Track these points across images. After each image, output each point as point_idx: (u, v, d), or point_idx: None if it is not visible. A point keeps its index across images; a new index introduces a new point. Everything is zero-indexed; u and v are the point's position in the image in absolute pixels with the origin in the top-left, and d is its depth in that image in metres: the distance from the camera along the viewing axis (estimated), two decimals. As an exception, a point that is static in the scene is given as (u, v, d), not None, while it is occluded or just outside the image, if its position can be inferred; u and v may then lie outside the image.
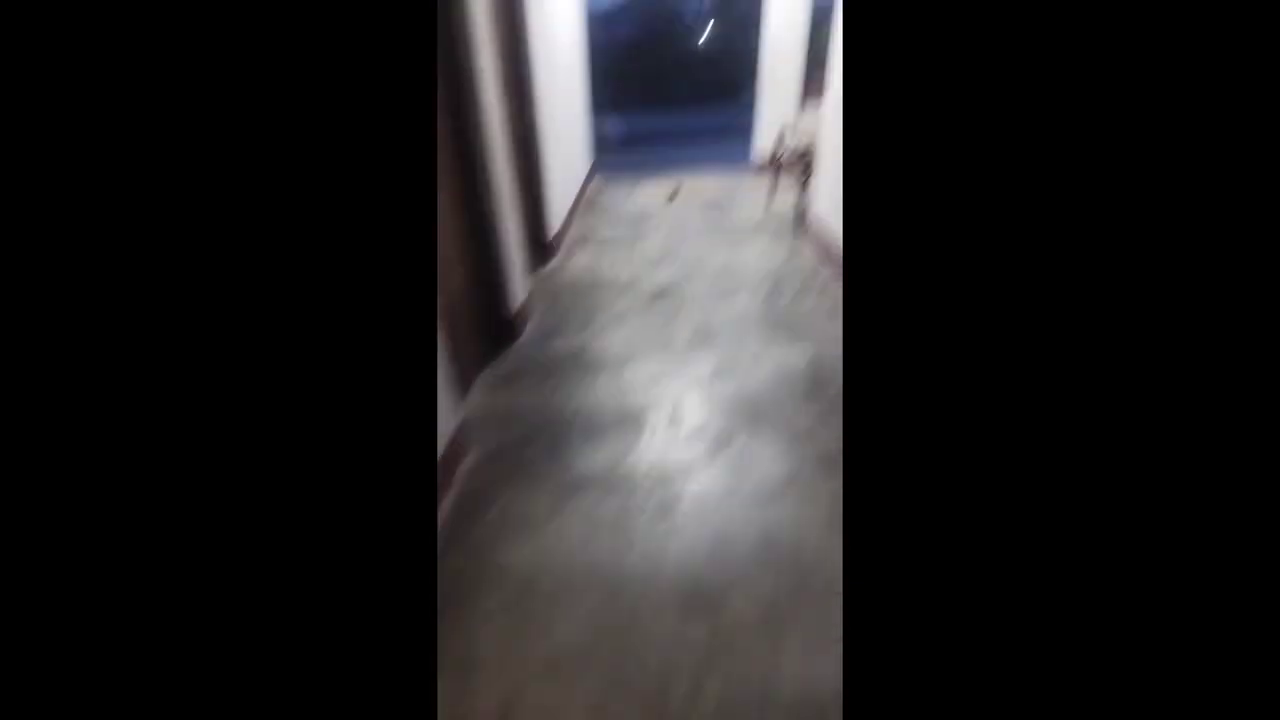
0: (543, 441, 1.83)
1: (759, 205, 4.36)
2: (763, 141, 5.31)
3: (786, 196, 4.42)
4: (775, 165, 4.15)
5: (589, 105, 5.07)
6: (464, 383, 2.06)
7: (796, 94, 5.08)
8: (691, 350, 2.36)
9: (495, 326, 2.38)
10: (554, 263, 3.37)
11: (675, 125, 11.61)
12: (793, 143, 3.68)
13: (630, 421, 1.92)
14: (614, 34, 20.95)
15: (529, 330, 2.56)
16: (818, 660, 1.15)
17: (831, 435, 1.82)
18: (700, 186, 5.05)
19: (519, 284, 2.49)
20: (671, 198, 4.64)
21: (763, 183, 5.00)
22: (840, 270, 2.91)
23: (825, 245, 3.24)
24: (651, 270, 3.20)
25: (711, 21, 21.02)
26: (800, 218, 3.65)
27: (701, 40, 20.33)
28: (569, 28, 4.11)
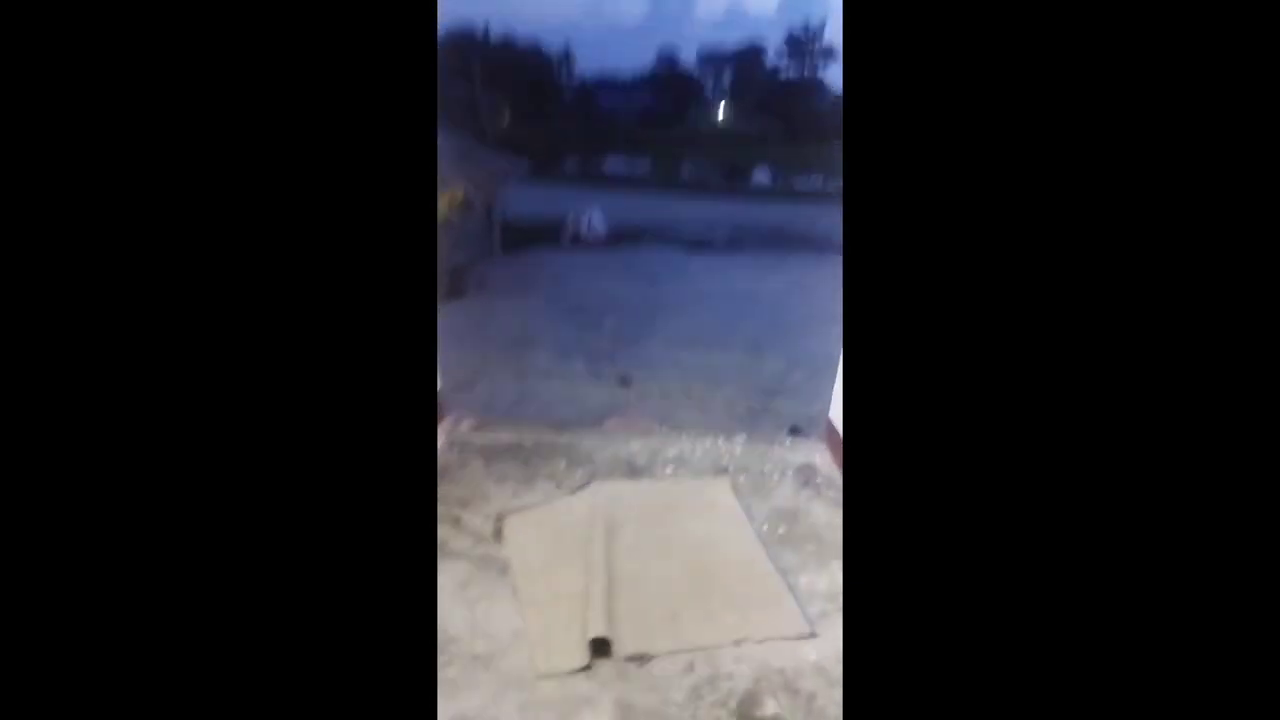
0: None
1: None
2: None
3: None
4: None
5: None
6: None
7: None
8: None
9: None
10: None
11: (677, 220, 9.69)
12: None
13: None
14: (631, 102, 19.91)
15: None
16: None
17: None
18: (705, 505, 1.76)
19: None
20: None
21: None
22: None
23: None
24: None
25: (725, 100, 20.11)
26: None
27: (720, 116, 19.26)
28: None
